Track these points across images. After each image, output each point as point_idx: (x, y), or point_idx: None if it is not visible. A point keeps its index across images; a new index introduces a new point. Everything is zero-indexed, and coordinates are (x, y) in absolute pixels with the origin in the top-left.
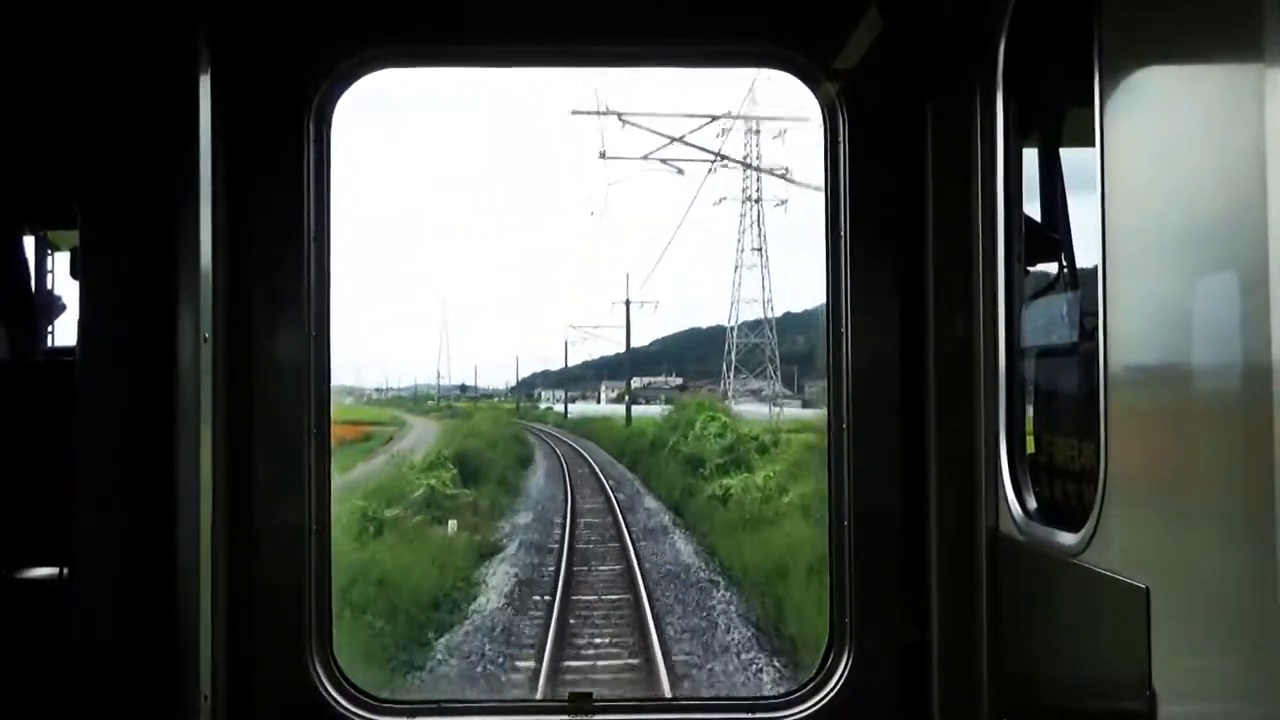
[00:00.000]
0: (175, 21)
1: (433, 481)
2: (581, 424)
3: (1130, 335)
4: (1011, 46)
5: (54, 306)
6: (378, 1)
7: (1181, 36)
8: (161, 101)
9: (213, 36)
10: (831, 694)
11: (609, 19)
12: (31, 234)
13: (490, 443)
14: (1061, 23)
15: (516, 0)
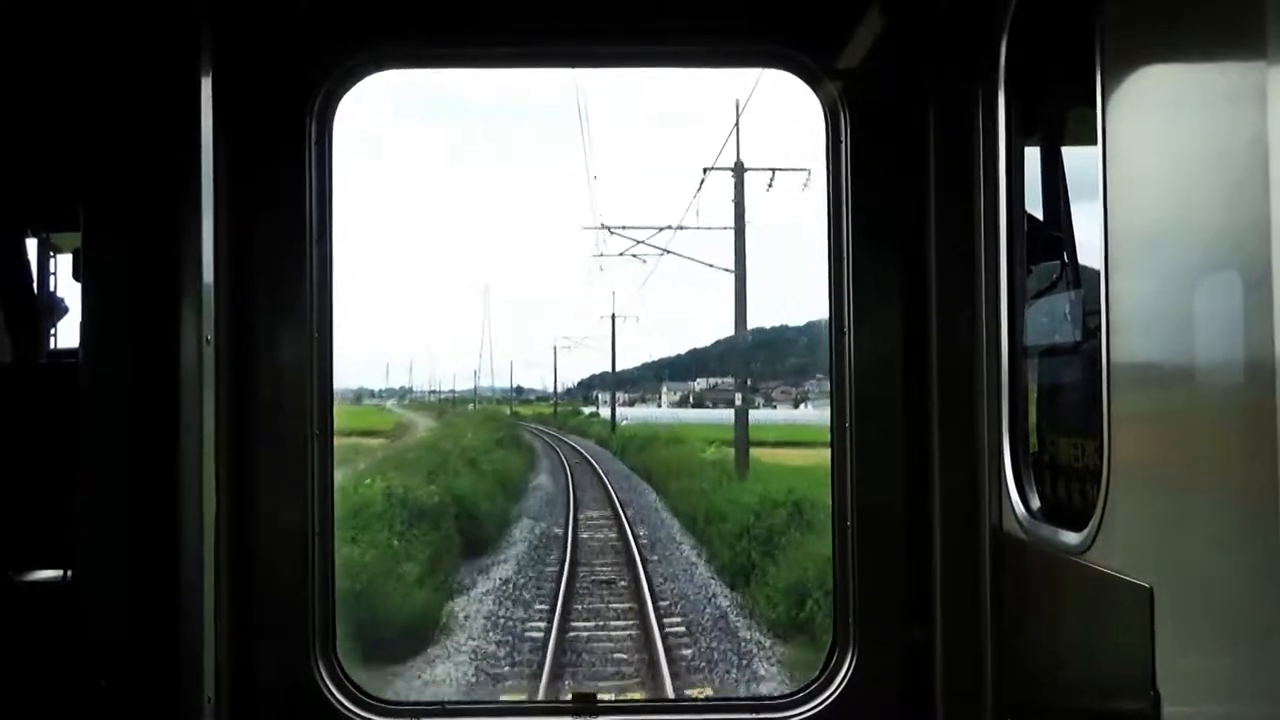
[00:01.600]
0: (177, 23)
1: None
2: (636, 441)
3: (1133, 334)
4: (1013, 46)
5: (56, 309)
6: (378, 2)
7: (1184, 35)
8: (163, 103)
9: (214, 38)
10: (835, 694)
11: (609, 19)
12: (34, 236)
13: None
14: (1063, 22)
15: (517, 1)
